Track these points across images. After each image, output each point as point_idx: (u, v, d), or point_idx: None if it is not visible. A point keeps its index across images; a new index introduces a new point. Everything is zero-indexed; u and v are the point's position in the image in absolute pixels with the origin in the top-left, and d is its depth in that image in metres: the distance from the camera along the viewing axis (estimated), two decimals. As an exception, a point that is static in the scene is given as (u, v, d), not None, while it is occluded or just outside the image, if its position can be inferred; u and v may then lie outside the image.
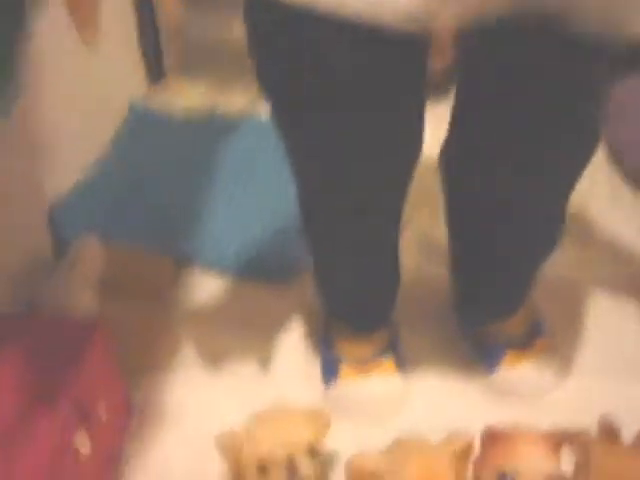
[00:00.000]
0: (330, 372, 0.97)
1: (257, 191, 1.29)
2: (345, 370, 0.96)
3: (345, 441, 0.90)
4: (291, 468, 0.76)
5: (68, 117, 1.24)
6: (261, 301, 1.12)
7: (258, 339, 1.06)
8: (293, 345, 1.05)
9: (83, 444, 0.78)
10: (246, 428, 0.78)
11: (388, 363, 0.96)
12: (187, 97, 1.62)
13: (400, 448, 0.77)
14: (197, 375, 1.01)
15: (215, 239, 1.21)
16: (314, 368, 1.00)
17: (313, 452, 0.77)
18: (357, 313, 0.97)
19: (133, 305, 1.05)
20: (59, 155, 1.24)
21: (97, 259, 1.09)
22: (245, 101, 1.57)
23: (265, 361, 1.03)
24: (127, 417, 0.94)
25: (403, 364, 0.98)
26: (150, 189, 1.32)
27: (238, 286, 1.15)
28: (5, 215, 1.10)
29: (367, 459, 0.76)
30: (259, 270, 1.15)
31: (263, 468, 0.76)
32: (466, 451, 0.76)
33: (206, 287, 1.15)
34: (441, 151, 0.85)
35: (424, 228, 1.18)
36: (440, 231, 1.02)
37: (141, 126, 1.51)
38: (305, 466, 0.76)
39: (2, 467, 0.68)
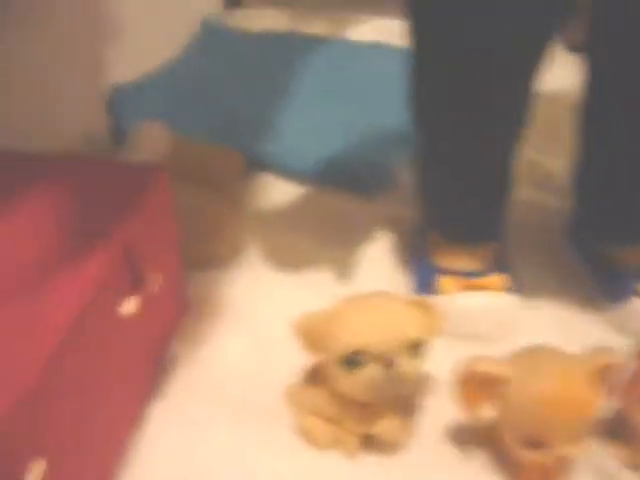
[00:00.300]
0: (426, 285, 0.80)
1: (341, 106, 1.16)
2: (446, 283, 0.80)
3: (444, 362, 0.75)
4: (388, 365, 0.60)
5: (138, 14, 1.17)
6: (341, 209, 0.96)
7: (336, 246, 0.90)
8: (377, 256, 0.89)
9: (129, 309, 0.63)
10: (336, 311, 0.62)
11: (498, 280, 0.79)
12: (264, 21, 1.49)
13: (530, 356, 0.60)
14: (265, 275, 0.85)
15: (294, 145, 1.08)
16: (401, 281, 0.85)
17: (417, 351, 0.60)
18: (463, 222, 0.81)
19: (198, 196, 0.89)
20: (124, 48, 1.14)
21: (161, 142, 0.95)
22: (325, 30, 1.44)
23: (345, 269, 0.87)
24: (182, 311, 0.79)
25: (515, 286, 0.80)
26: (221, 93, 1.20)
27: (316, 193, 1.00)
28: (62, 100, 1.00)
29: (489, 363, 0.60)
30: (342, 178, 1.00)
31: (352, 360, 0.59)
32: (608, 369, 0.59)
33: (279, 190, 1.00)
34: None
35: (531, 156, 1.04)
36: (548, 159, 0.93)
37: (214, 40, 1.40)
38: (407, 365, 0.60)
39: (29, 307, 0.53)
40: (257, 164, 1.04)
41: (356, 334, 0.59)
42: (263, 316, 0.80)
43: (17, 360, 0.49)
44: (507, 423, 0.60)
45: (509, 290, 0.79)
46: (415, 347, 0.60)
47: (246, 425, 0.68)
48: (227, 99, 1.18)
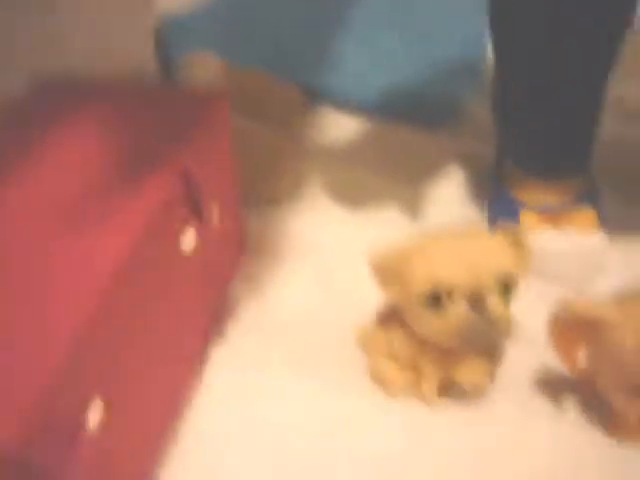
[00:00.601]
0: (507, 221, 0.73)
1: (405, 36, 1.07)
2: (529, 217, 0.73)
3: (528, 304, 0.69)
4: (476, 303, 0.54)
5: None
6: (406, 143, 0.89)
7: (403, 182, 0.83)
8: (448, 193, 0.82)
9: (190, 242, 0.59)
10: (417, 244, 0.56)
11: (587, 214, 0.72)
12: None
13: (635, 298, 0.54)
14: (330, 212, 0.79)
15: (355, 75, 1.00)
16: (476, 220, 0.78)
17: (509, 289, 0.54)
18: (549, 154, 0.73)
19: (256, 129, 0.84)
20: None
21: (213, 72, 0.90)
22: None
23: (414, 206, 0.81)
24: (242, 249, 0.74)
25: (605, 222, 0.74)
26: (275, 22, 1.12)
27: (379, 126, 0.93)
28: (110, 33, 0.94)
29: (592, 305, 0.53)
30: (407, 109, 0.93)
31: (436, 299, 0.53)
32: None
33: (340, 124, 0.93)
34: None
35: (619, 92, 0.94)
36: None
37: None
38: (495, 303, 0.53)
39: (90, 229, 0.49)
40: (316, 96, 0.98)
41: (441, 268, 0.53)
42: (328, 255, 0.74)
43: (75, 291, 0.45)
44: (609, 371, 0.54)
45: (598, 227, 0.73)
46: (507, 284, 0.54)
47: (313, 369, 0.64)
48: (282, 28, 1.10)
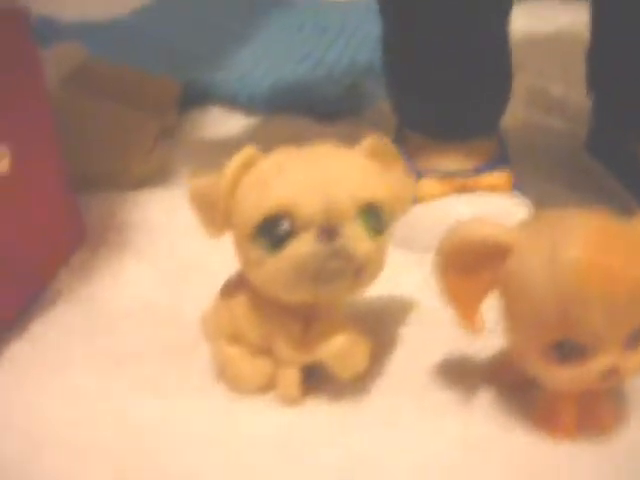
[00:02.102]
0: None
1: (297, 43, 0.99)
2: (428, 185, 0.59)
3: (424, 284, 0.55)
4: (330, 236, 0.39)
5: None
6: (297, 134, 0.75)
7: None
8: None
9: None
10: (253, 165, 0.40)
11: (499, 176, 0.59)
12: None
13: (549, 219, 0.40)
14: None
15: (245, 73, 0.90)
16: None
17: (373, 217, 0.39)
18: (449, 112, 0.60)
19: (118, 110, 0.71)
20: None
21: (71, 60, 0.78)
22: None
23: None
24: (76, 240, 0.59)
25: (519, 188, 0.61)
26: (168, 33, 1.04)
27: (269, 121, 0.80)
28: None
29: (491, 228, 0.39)
30: (301, 100, 0.81)
31: (273, 232, 0.38)
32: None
33: (226, 122, 0.80)
34: None
35: (531, 79, 0.91)
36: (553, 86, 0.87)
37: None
38: (352, 234, 0.38)
39: None
40: (200, 96, 0.87)
41: (278, 190, 0.38)
42: (181, 245, 0.59)
43: None
44: (521, 321, 0.38)
45: (514, 190, 0.60)
46: (374, 212, 0.40)
47: (139, 369, 0.47)
48: (172, 37, 1.01)
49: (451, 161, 0.61)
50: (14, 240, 0.53)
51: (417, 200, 0.60)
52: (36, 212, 0.55)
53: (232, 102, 0.84)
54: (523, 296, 0.37)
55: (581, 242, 0.36)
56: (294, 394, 0.43)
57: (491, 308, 0.43)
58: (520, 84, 0.95)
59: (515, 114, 0.83)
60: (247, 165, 0.40)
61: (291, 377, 0.43)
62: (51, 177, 0.58)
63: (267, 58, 0.94)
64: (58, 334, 0.49)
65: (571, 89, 0.91)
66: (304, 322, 0.42)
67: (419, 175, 0.60)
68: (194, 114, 0.82)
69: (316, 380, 0.45)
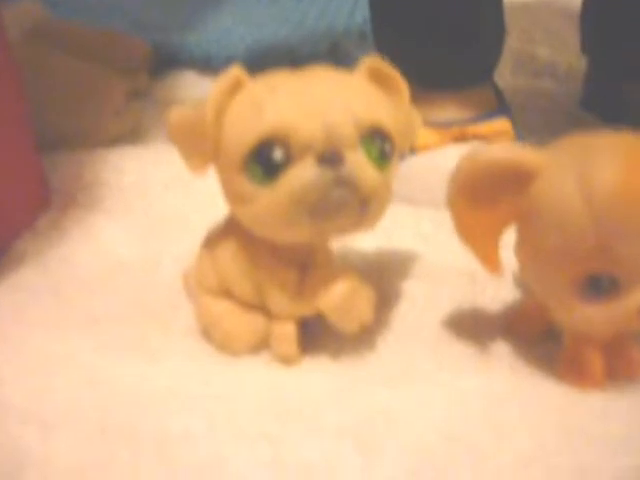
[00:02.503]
0: None
1: (270, 5, 0.95)
2: (426, 135, 0.55)
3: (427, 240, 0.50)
4: (331, 163, 0.33)
5: None
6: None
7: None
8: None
9: None
10: (258, 80, 0.36)
11: (499, 125, 0.55)
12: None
13: (574, 142, 0.36)
14: (164, 154, 0.58)
15: (220, 34, 0.84)
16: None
17: (377, 141, 0.34)
18: (443, 58, 0.56)
19: (87, 67, 0.65)
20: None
21: (30, 16, 0.72)
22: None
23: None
24: (42, 201, 0.53)
25: (521, 137, 0.56)
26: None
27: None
28: None
29: (503, 150, 0.35)
30: (279, 59, 0.77)
31: (266, 160, 0.33)
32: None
33: (196, 80, 0.76)
34: None
35: (517, 44, 0.90)
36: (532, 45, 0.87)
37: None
38: (356, 160, 0.33)
39: None
40: (173, 59, 0.82)
41: (271, 113, 0.33)
42: (155, 203, 0.54)
43: None
44: (549, 255, 0.33)
45: (515, 137, 0.56)
46: (376, 142, 0.35)
47: (114, 332, 0.41)
48: (142, 6, 0.95)
49: (447, 110, 0.57)
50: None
51: (413, 151, 0.56)
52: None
53: (206, 64, 0.79)
54: (553, 225, 0.33)
55: (619, 163, 0.32)
56: (291, 352, 0.38)
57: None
58: (507, 49, 0.94)
59: (504, 78, 0.81)
60: (234, 87, 0.35)
61: (287, 333, 0.38)
62: (13, 137, 0.53)
63: (244, 23, 0.90)
64: (21, 297, 0.44)
65: (557, 52, 0.89)
66: (300, 270, 0.38)
67: (414, 125, 0.57)
68: (167, 76, 0.77)
69: (315, 336, 0.41)
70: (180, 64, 0.80)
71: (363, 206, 0.34)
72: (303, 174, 0.33)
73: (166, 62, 0.80)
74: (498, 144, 0.34)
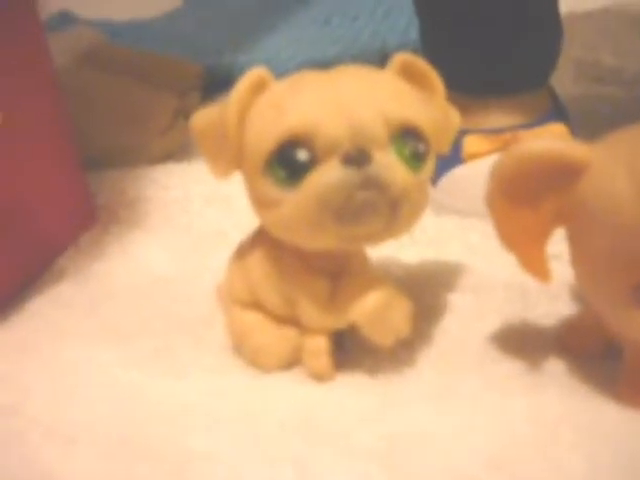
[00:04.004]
0: (447, 158, 0.50)
1: (321, 29, 0.95)
2: (474, 142, 0.52)
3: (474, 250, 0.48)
4: (358, 163, 0.31)
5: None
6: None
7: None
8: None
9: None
10: (266, 89, 0.34)
11: (555, 130, 0.53)
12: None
13: (627, 135, 0.33)
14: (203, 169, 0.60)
15: (272, 54, 0.86)
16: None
17: (410, 141, 0.32)
18: (493, 66, 0.54)
19: (136, 86, 0.66)
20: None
21: (87, 41, 0.74)
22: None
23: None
24: (85, 219, 0.53)
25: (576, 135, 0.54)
26: (182, 23, 1.01)
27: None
28: None
29: (562, 143, 0.31)
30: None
31: (291, 160, 0.31)
32: None
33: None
34: None
35: (580, 53, 0.87)
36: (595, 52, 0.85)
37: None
38: (385, 161, 0.31)
39: None
40: (225, 81, 0.82)
41: (294, 112, 0.32)
42: (197, 221, 0.53)
43: None
44: (603, 259, 0.30)
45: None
46: (411, 135, 0.32)
47: (146, 345, 0.40)
48: (197, 33, 0.98)
49: (498, 117, 0.54)
50: (21, 215, 0.48)
51: (462, 159, 0.54)
52: (42, 190, 0.51)
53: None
54: (603, 225, 0.30)
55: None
56: (323, 367, 0.36)
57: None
58: (568, 58, 0.90)
59: (565, 86, 0.78)
60: (257, 88, 0.34)
61: (320, 347, 0.36)
62: (57, 155, 0.54)
63: (296, 43, 0.90)
64: (56, 312, 0.44)
65: (622, 59, 0.85)
66: (331, 279, 0.36)
67: (463, 134, 0.54)
68: (218, 97, 0.77)
69: (351, 351, 0.38)
70: (232, 85, 0.80)
71: (394, 209, 0.32)
72: (327, 175, 0.31)
73: (219, 83, 0.81)
74: (542, 138, 0.31)
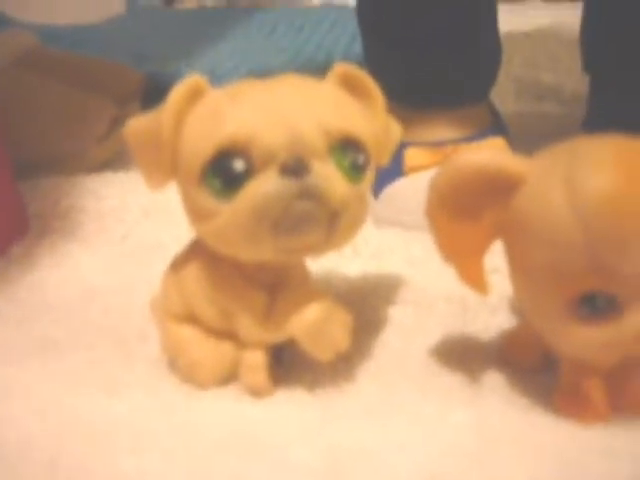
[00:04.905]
0: (387, 173, 0.51)
1: (267, 37, 0.95)
2: (415, 155, 0.52)
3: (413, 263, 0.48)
4: (295, 171, 0.30)
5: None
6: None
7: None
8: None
9: None
10: (220, 89, 0.33)
11: (496, 143, 0.53)
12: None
13: (565, 148, 0.33)
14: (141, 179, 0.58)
15: (213, 65, 0.84)
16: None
17: (349, 153, 0.32)
18: (434, 76, 0.54)
19: (72, 91, 0.64)
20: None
21: (21, 45, 0.72)
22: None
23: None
24: (16, 229, 0.50)
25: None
26: (124, 30, 0.99)
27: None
28: None
29: (497, 157, 0.31)
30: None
31: (227, 170, 0.30)
32: None
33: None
34: None
35: (520, 71, 0.90)
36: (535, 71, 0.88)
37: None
38: (323, 171, 0.31)
39: None
40: (167, 89, 0.81)
41: (231, 121, 0.31)
42: (134, 231, 0.51)
43: None
44: (537, 272, 0.30)
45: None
46: (348, 153, 0.32)
47: (76, 359, 0.38)
48: (139, 41, 0.96)
49: (439, 130, 0.54)
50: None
51: (403, 172, 0.54)
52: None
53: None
54: (539, 239, 0.30)
55: (609, 167, 0.29)
56: (261, 382, 0.35)
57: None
58: (508, 76, 0.92)
59: (506, 104, 0.79)
60: (193, 95, 0.33)
61: (257, 361, 0.35)
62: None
63: (240, 53, 0.89)
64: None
65: (562, 77, 0.88)
66: (270, 292, 0.35)
67: (404, 147, 0.54)
68: (158, 106, 0.76)
69: (288, 365, 0.38)
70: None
71: (332, 221, 0.31)
72: (264, 185, 0.30)
73: (160, 92, 0.79)
74: (478, 150, 0.31)
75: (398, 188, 0.51)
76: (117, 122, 0.66)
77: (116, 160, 0.62)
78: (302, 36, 0.96)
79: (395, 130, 0.36)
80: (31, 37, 0.73)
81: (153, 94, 0.81)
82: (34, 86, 0.60)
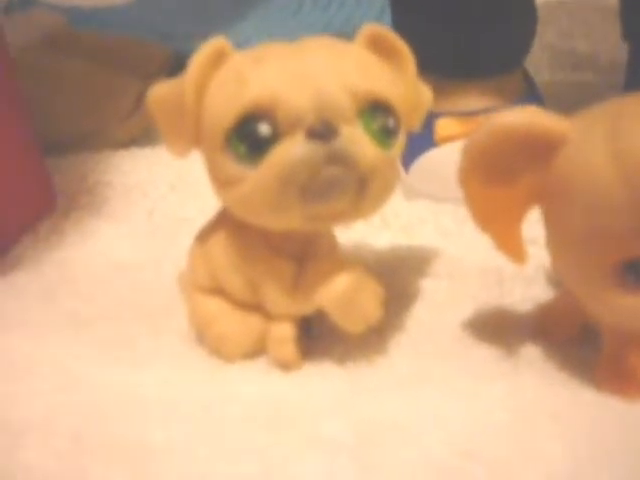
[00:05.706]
0: (418, 142, 0.49)
1: (293, 16, 0.93)
2: (446, 125, 0.51)
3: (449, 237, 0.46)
4: (322, 135, 0.28)
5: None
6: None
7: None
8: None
9: None
10: (244, 52, 0.33)
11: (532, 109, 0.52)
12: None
13: (606, 109, 0.32)
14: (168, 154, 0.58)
15: (239, 42, 0.84)
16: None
17: (379, 116, 0.30)
18: (466, 45, 0.52)
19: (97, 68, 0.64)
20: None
21: (47, 23, 0.71)
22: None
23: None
24: (44, 204, 0.50)
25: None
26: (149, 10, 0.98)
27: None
28: None
29: (539, 115, 0.29)
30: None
31: (252, 135, 0.29)
32: None
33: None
34: None
35: (555, 40, 0.86)
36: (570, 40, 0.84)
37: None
38: (352, 135, 0.29)
39: None
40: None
41: (255, 84, 0.30)
42: (160, 206, 0.50)
43: None
44: (581, 238, 0.28)
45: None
46: (377, 116, 0.31)
47: (105, 333, 0.38)
48: (164, 21, 0.96)
49: (472, 100, 0.53)
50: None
51: (435, 143, 0.52)
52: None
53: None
54: (581, 204, 0.28)
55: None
56: (289, 355, 0.34)
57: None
58: (542, 45, 0.90)
59: (541, 74, 0.77)
60: (217, 59, 0.32)
61: (286, 334, 0.34)
62: (14, 140, 0.51)
63: (266, 31, 0.89)
64: (10, 302, 0.41)
65: (598, 45, 0.85)
66: (298, 263, 0.34)
67: (435, 117, 0.53)
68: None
69: (320, 338, 0.37)
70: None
71: (362, 187, 0.30)
72: (291, 150, 0.29)
73: (186, 68, 0.79)
74: (516, 109, 0.29)
75: (429, 159, 0.50)
76: (143, 99, 0.66)
77: (143, 137, 0.61)
78: (329, 12, 0.94)
79: (426, 94, 0.35)
80: (59, 17, 0.73)
81: (179, 71, 0.82)
82: (60, 65, 0.60)
